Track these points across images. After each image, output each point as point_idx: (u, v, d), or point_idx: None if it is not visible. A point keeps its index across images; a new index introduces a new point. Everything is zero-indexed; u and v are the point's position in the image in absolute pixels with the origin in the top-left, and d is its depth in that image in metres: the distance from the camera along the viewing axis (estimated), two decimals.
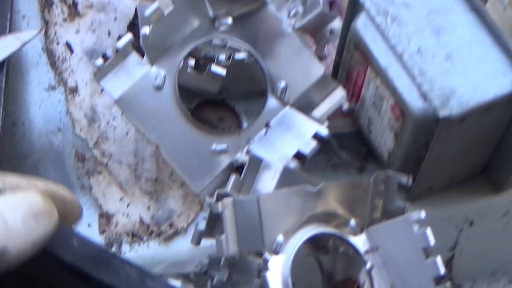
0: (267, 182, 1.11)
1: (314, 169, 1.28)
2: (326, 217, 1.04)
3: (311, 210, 1.03)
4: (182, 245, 1.19)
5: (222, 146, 1.20)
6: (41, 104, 1.32)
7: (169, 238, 1.20)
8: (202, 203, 1.20)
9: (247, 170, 1.10)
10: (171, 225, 1.20)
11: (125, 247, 1.18)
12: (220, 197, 0.98)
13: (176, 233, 1.21)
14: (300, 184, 1.06)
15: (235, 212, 0.97)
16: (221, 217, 0.96)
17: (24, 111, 1.31)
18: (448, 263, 1.30)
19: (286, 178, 1.10)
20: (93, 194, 1.21)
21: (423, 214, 1.01)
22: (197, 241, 1.03)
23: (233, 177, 1.08)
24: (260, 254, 0.99)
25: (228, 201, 0.97)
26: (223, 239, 0.96)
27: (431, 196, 1.27)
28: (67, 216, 0.72)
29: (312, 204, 1.03)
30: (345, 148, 1.32)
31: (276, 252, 0.99)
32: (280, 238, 0.99)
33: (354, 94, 1.27)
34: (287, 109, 1.23)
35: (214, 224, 1.01)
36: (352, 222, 1.04)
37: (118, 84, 1.18)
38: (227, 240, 0.96)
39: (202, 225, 1.02)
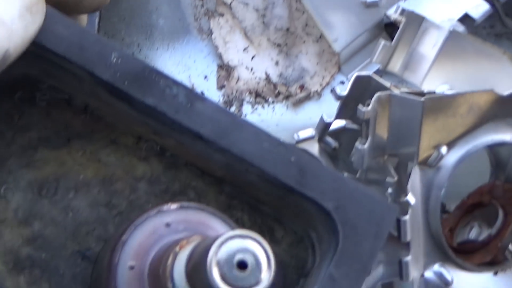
0: (428, 48, 0.93)
1: None
2: None
3: (497, 116, 0.82)
4: (314, 112, 1.03)
5: None
6: None
7: (299, 102, 1.04)
8: (340, 64, 1.01)
9: (402, 31, 0.92)
10: (302, 87, 1.04)
11: (247, 108, 1.03)
12: (359, 80, 0.80)
13: (308, 97, 1.04)
14: (470, 52, 0.89)
15: (390, 111, 0.79)
16: (369, 119, 0.77)
17: None
18: None
19: (453, 44, 0.92)
20: (213, 40, 1.05)
21: None
22: (320, 135, 0.84)
23: (382, 43, 0.88)
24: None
25: (383, 97, 0.78)
26: (365, 149, 0.79)
27: None
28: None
29: (498, 110, 0.82)
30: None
31: (433, 165, 0.78)
32: (443, 150, 0.80)
33: None
34: None
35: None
36: None
37: None
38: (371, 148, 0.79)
39: (327, 115, 0.83)
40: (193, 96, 0.64)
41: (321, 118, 0.84)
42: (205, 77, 1.04)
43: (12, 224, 0.64)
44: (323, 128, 0.85)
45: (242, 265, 0.49)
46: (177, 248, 0.55)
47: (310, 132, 0.87)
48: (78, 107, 0.68)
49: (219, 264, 0.49)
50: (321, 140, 0.87)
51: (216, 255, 0.49)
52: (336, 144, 0.88)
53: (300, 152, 0.64)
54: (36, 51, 0.62)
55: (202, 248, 0.51)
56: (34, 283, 0.63)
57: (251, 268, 0.49)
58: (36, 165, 0.66)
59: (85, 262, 0.64)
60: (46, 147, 0.66)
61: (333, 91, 0.84)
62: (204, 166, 0.68)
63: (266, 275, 0.50)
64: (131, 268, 0.57)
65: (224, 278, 0.48)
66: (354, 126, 0.87)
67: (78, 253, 0.64)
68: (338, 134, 0.88)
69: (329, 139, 0.88)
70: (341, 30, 1.00)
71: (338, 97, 0.83)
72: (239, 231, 0.50)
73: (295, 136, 0.86)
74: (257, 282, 0.49)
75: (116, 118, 0.68)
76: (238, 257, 0.49)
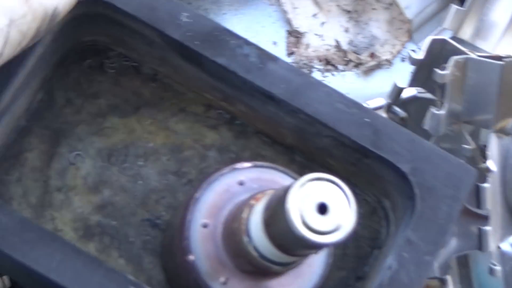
0: (500, 14, 0.89)
1: None
2: None
3: None
4: (385, 81, 0.99)
5: None
6: None
7: (369, 71, 1.01)
8: (411, 31, 0.99)
9: None
10: (372, 55, 1.00)
11: (316, 76, 1.00)
12: (434, 44, 0.78)
13: (378, 66, 1.00)
14: None
15: (467, 76, 0.76)
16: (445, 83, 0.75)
17: None
18: None
19: None
20: (282, 5, 1.02)
21: None
22: (394, 100, 0.82)
23: (453, 8, 0.85)
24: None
25: (460, 60, 0.76)
26: (442, 114, 0.76)
27: None
28: None
29: None
30: None
31: (510, 132, 0.78)
32: None
33: None
34: None
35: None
36: None
37: None
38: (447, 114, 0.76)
39: (400, 82, 0.81)
40: (265, 56, 0.63)
41: (394, 84, 0.82)
42: (274, 43, 1.00)
43: (82, 191, 0.64)
44: (396, 94, 0.82)
45: (322, 209, 0.47)
46: (253, 201, 0.54)
47: (381, 101, 0.84)
48: (147, 74, 0.68)
49: (298, 207, 0.46)
50: (389, 110, 0.85)
51: (296, 197, 0.47)
52: (405, 114, 0.85)
53: (374, 113, 0.63)
54: (107, 12, 0.63)
55: (280, 193, 0.49)
56: (104, 251, 0.63)
57: (332, 212, 0.47)
58: (106, 133, 0.66)
59: (155, 230, 0.64)
60: (115, 115, 0.66)
61: (408, 56, 0.82)
62: (275, 134, 0.67)
63: (348, 220, 0.47)
64: (204, 226, 0.57)
65: (304, 222, 0.46)
66: (425, 94, 0.84)
67: (148, 221, 0.64)
68: (406, 103, 0.86)
69: (397, 109, 0.86)
70: None
71: (413, 62, 0.81)
72: (318, 174, 0.48)
73: (366, 105, 0.83)
74: (338, 227, 0.47)
75: (186, 85, 0.68)
76: (319, 199, 0.47)
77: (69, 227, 0.63)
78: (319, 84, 0.63)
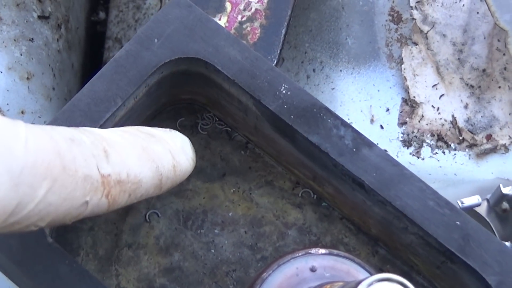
0: None
1: None
2: None
3: None
4: (497, 167, 0.98)
5: None
6: None
7: (483, 154, 1.00)
8: None
9: None
10: (489, 137, 0.99)
11: (425, 151, 1.00)
12: None
13: (494, 150, 1.00)
14: None
15: None
16: None
17: None
18: None
19: None
20: (402, 70, 1.01)
21: None
22: (495, 203, 0.81)
23: None
24: None
25: None
26: None
27: None
28: None
29: None
30: None
31: None
32: None
33: None
34: None
35: None
36: None
37: None
38: None
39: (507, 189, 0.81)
40: (361, 140, 0.65)
41: (498, 189, 0.80)
42: (387, 110, 1.01)
43: (152, 251, 0.69)
44: (498, 199, 0.81)
45: None
46: None
47: (476, 199, 0.83)
48: (239, 142, 0.72)
49: None
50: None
51: None
52: (508, 206, 0.84)
53: (467, 216, 0.65)
54: (207, 73, 0.67)
55: None
56: None
57: None
58: (186, 195, 0.70)
59: None
60: (199, 178, 0.71)
61: None
62: (360, 222, 0.70)
63: None
64: None
65: None
66: None
67: None
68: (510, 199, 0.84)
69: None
70: None
71: None
72: (387, 275, 0.50)
73: (459, 203, 0.82)
74: None
75: (276, 158, 0.72)
76: None
77: (132, 286, 0.67)
78: (413, 178, 0.65)
